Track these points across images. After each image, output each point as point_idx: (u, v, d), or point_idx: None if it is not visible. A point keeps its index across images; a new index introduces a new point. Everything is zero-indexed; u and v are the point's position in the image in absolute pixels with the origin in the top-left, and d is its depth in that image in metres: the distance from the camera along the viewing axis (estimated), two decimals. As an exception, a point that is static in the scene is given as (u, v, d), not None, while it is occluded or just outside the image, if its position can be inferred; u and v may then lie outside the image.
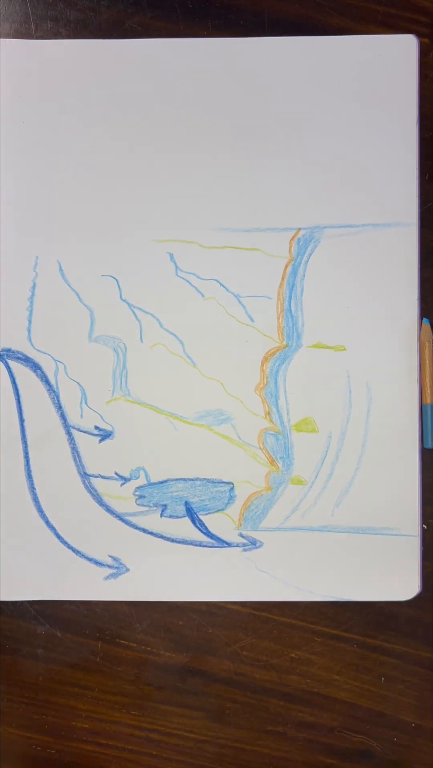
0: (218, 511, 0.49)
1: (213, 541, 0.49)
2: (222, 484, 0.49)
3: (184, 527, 0.49)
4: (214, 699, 0.50)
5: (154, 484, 0.49)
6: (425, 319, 0.49)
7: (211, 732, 0.50)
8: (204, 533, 0.49)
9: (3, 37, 0.49)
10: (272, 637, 0.50)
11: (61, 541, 0.49)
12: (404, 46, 0.49)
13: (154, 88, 0.49)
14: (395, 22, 0.49)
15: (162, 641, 0.50)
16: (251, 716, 0.50)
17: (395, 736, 0.50)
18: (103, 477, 0.49)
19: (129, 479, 0.49)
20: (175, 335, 0.49)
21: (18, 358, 0.49)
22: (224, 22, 0.49)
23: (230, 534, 0.49)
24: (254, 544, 0.49)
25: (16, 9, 0.50)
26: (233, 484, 0.49)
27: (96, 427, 0.49)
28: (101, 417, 0.49)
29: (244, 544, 0.49)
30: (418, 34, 0.49)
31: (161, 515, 0.49)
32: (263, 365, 0.49)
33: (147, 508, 0.49)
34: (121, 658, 0.50)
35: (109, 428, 0.49)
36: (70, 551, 0.49)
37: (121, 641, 0.50)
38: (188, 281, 0.49)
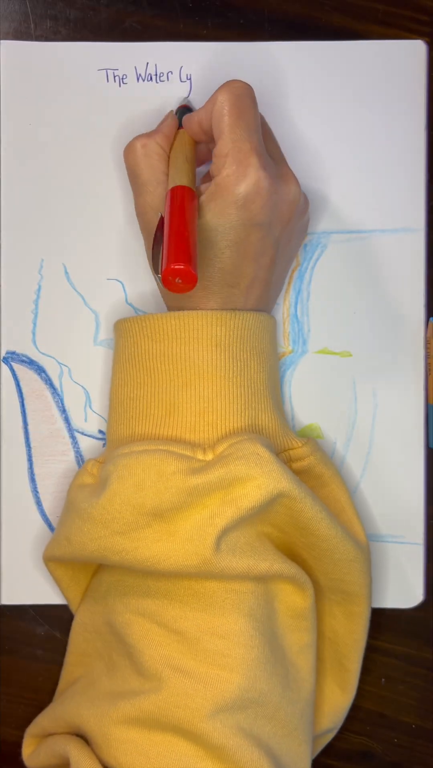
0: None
1: (217, 546, 0.49)
2: (226, 489, 0.49)
3: (189, 532, 0.49)
4: (215, 700, 0.50)
5: (159, 488, 0.49)
6: (431, 318, 0.49)
7: (211, 733, 0.50)
8: (208, 538, 0.49)
9: (3, 37, 0.49)
10: (271, 638, 0.50)
11: (65, 545, 0.49)
12: (413, 52, 0.49)
13: (163, 91, 0.48)
14: (395, 20, 0.49)
15: (162, 642, 0.50)
16: (251, 717, 0.50)
17: (396, 737, 0.50)
18: (107, 481, 0.49)
19: (133, 483, 0.49)
20: (180, 339, 0.49)
21: (22, 361, 0.49)
22: (223, 21, 0.49)
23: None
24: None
25: (15, 8, 0.49)
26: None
27: (100, 431, 0.49)
28: (105, 421, 0.49)
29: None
30: (418, 33, 0.49)
31: (165, 520, 0.49)
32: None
33: (151, 513, 0.49)
34: (120, 658, 0.50)
35: (113, 432, 0.49)
36: (73, 555, 0.49)
37: (121, 642, 0.50)
38: (194, 285, 0.49)
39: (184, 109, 0.47)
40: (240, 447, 0.40)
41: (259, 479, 0.39)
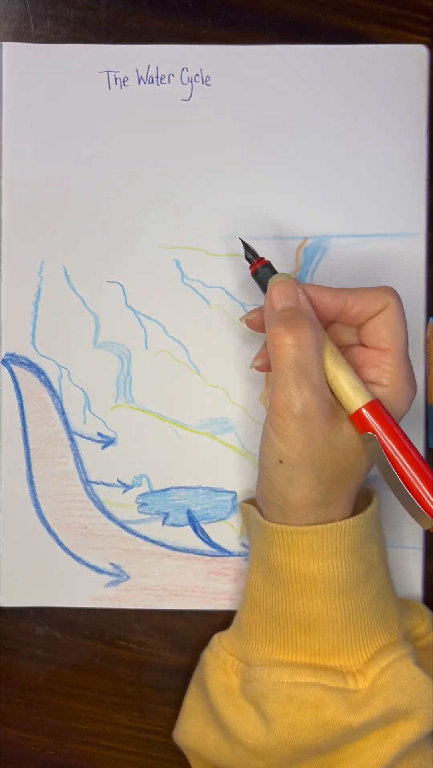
0: (221, 520, 0.49)
1: (215, 549, 0.49)
2: (225, 493, 0.49)
3: (186, 536, 0.49)
4: (213, 702, 0.50)
5: (157, 491, 0.49)
6: (431, 318, 0.49)
7: (209, 735, 0.50)
8: (206, 542, 0.49)
9: (2, 37, 0.49)
10: (271, 641, 0.50)
11: (62, 548, 0.49)
12: (414, 56, 0.48)
13: (165, 93, 0.48)
14: (395, 21, 0.49)
15: (162, 642, 0.50)
16: (250, 720, 0.50)
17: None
18: (105, 484, 0.49)
19: (131, 486, 0.49)
20: (180, 342, 0.49)
21: (22, 363, 0.49)
22: (223, 21, 0.49)
23: (231, 543, 0.49)
24: (256, 553, 0.49)
25: (15, 8, 0.49)
26: (235, 493, 0.49)
27: (99, 434, 0.49)
28: (104, 423, 0.49)
29: (246, 554, 0.49)
30: (418, 33, 0.48)
31: (163, 523, 0.49)
32: (267, 374, 0.49)
33: (149, 516, 0.49)
34: (120, 659, 0.50)
35: (112, 435, 0.49)
36: (71, 558, 0.49)
37: (121, 642, 0.50)
38: (194, 288, 0.49)
39: (268, 269, 0.43)
40: (396, 673, 0.38)
41: (422, 711, 0.38)
